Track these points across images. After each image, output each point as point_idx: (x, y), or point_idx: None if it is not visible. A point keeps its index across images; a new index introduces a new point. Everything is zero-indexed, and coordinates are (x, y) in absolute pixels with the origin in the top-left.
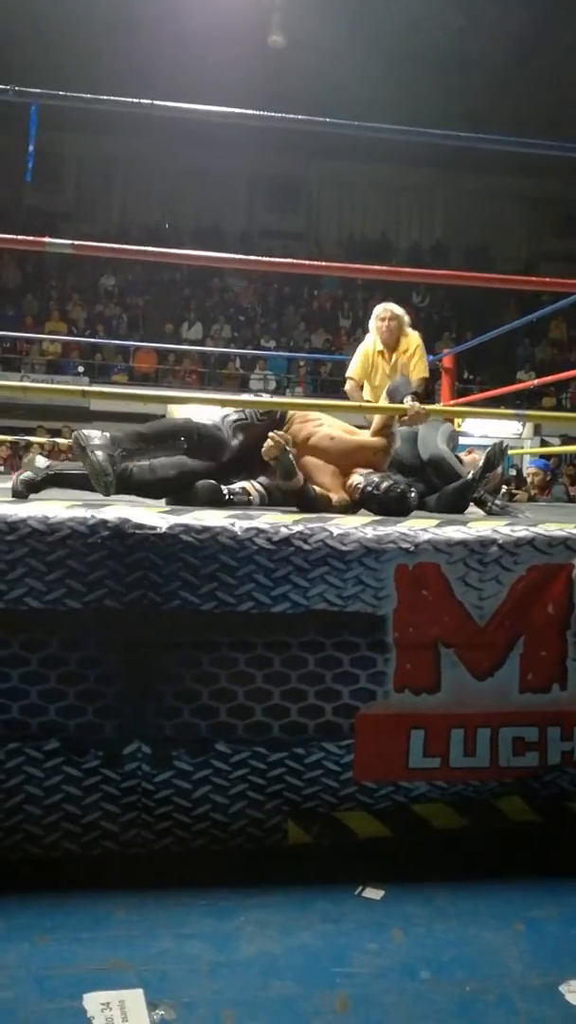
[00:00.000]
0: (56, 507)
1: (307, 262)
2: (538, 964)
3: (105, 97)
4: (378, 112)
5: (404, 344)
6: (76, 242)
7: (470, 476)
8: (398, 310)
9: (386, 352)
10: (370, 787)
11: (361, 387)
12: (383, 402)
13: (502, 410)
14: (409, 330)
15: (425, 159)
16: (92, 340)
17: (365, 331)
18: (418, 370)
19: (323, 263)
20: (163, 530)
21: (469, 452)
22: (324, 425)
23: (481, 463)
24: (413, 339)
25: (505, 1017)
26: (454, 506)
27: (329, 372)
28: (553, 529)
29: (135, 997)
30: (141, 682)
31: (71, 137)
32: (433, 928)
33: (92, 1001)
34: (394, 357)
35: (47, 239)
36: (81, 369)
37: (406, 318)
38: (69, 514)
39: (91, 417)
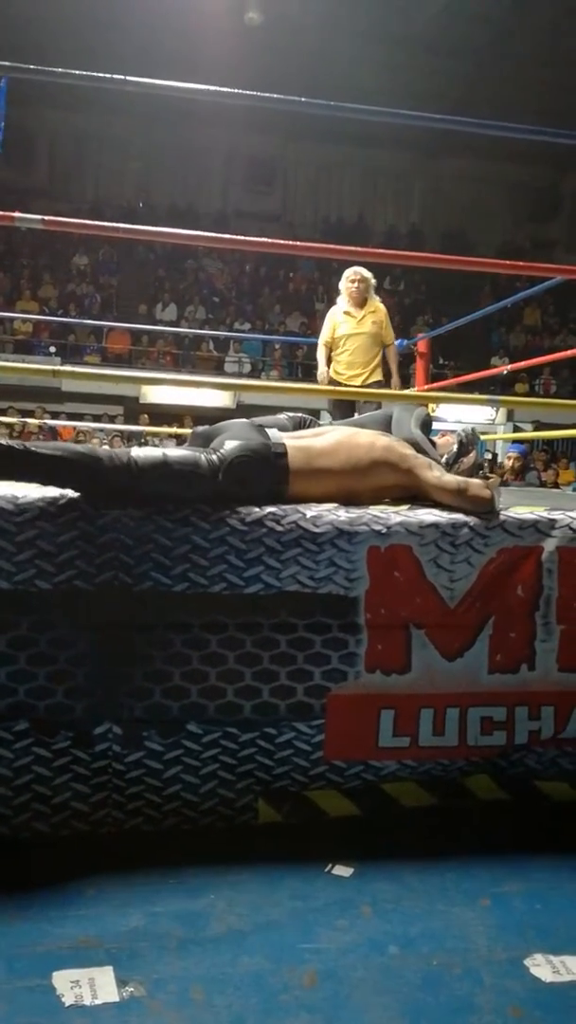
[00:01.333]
0: (26, 487)
1: (283, 242)
2: (504, 938)
3: (78, 72)
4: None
5: (371, 305)
6: (47, 217)
7: (443, 460)
8: (366, 273)
9: (353, 311)
10: (340, 766)
11: (329, 352)
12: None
13: (476, 395)
14: (376, 297)
15: (403, 142)
16: (64, 320)
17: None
18: (390, 335)
19: (299, 243)
20: (134, 512)
21: (443, 435)
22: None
23: (455, 448)
24: (381, 305)
25: (471, 989)
26: None
27: (305, 355)
28: (523, 512)
29: (105, 974)
30: (112, 663)
31: (44, 113)
32: (401, 904)
33: (62, 979)
34: (362, 313)
35: (17, 214)
36: (53, 349)
37: (373, 282)
38: (39, 494)
39: (63, 398)
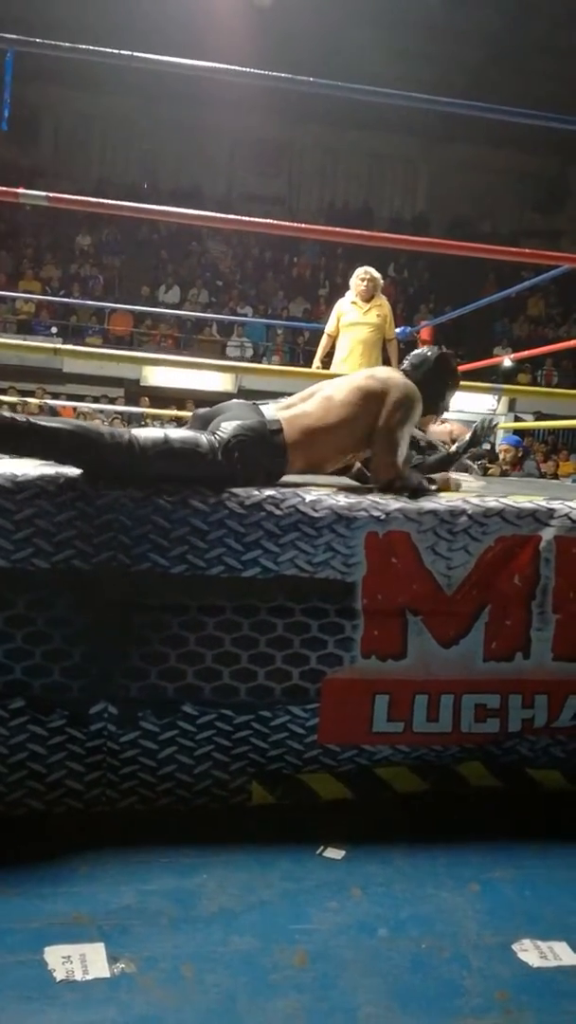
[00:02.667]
0: (25, 466)
1: (288, 223)
2: (492, 923)
3: (85, 47)
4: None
5: (378, 300)
6: (52, 194)
7: (453, 449)
8: (375, 273)
9: (360, 303)
10: (334, 750)
11: (333, 340)
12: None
13: (478, 384)
14: (383, 296)
15: (411, 128)
16: (67, 300)
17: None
18: (391, 330)
19: (304, 225)
20: (134, 492)
21: (441, 422)
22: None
23: (468, 437)
24: (386, 303)
25: (459, 973)
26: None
27: (307, 341)
28: (522, 501)
29: (96, 951)
30: (109, 643)
31: (49, 90)
32: (392, 887)
33: (53, 954)
34: (368, 306)
35: (21, 190)
36: (55, 330)
37: (381, 281)
38: (37, 472)
39: (64, 379)
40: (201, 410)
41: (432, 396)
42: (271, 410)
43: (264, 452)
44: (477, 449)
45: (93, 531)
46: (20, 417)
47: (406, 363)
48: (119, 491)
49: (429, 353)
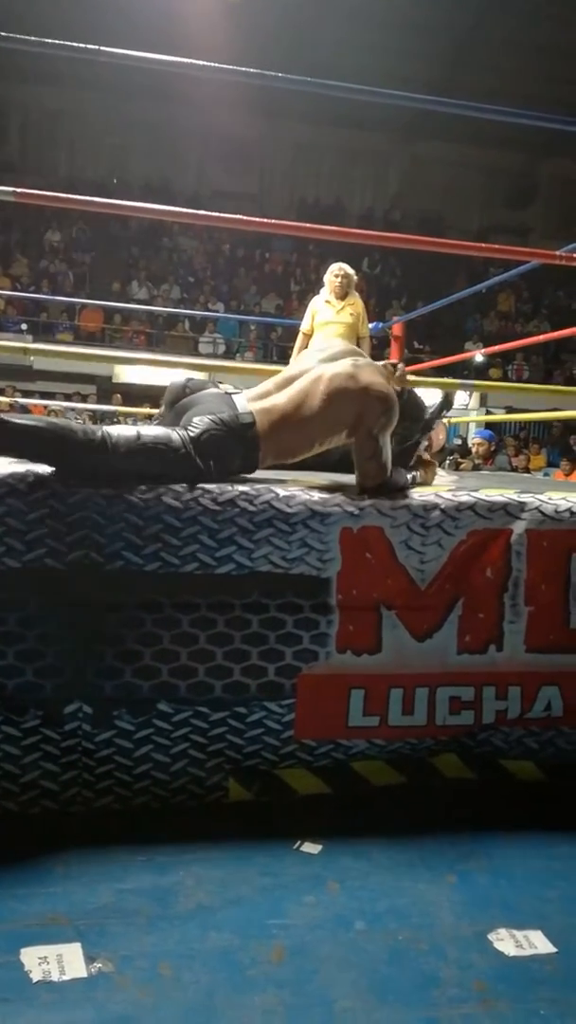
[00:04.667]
0: None
1: (261, 219)
2: (468, 914)
3: (51, 41)
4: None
5: (352, 298)
6: (19, 190)
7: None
8: (349, 269)
9: (334, 301)
10: (310, 745)
11: (308, 339)
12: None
13: (449, 380)
14: (356, 293)
15: (381, 124)
16: (36, 296)
17: (317, 294)
18: (365, 328)
19: (275, 221)
20: (106, 490)
21: None
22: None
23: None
24: (360, 300)
25: (436, 964)
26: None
27: (280, 337)
28: (494, 495)
29: (73, 951)
30: (83, 642)
31: (15, 87)
32: (368, 881)
33: (30, 955)
34: (342, 304)
35: None
36: (24, 327)
37: (355, 278)
38: (8, 471)
39: (34, 376)
40: (176, 400)
41: (407, 420)
42: (243, 400)
43: (236, 446)
44: (443, 441)
45: (65, 529)
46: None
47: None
48: (91, 489)
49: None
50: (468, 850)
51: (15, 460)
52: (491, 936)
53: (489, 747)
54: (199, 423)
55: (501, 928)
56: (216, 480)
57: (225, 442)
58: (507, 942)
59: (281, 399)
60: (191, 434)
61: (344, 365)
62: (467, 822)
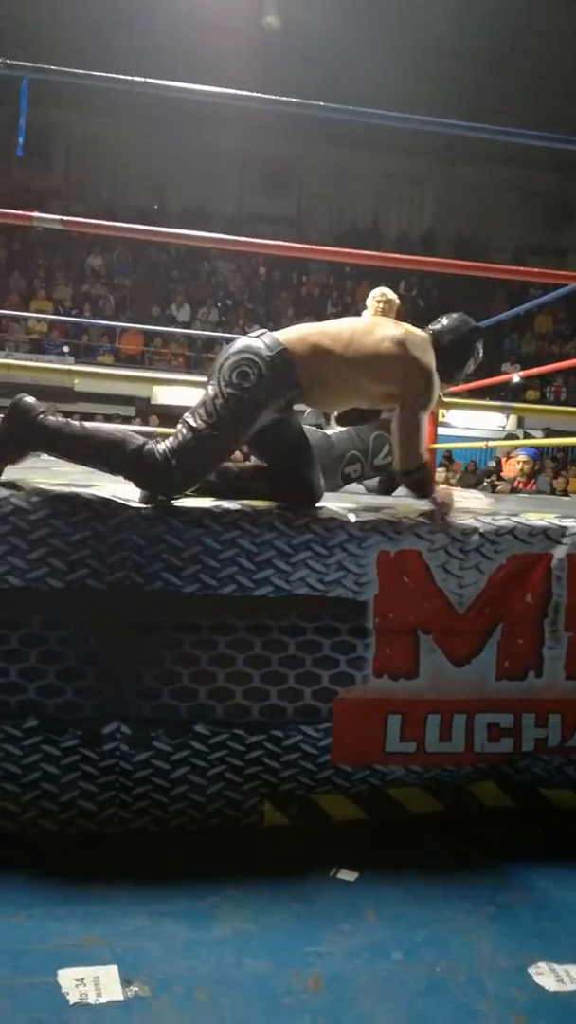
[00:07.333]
0: (40, 486)
1: (299, 245)
2: (507, 947)
3: (97, 73)
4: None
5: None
6: (65, 218)
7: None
8: (391, 295)
9: None
10: (346, 770)
11: None
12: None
13: (487, 402)
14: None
15: (418, 148)
16: (78, 320)
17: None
18: None
19: (314, 247)
20: (147, 512)
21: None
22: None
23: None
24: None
25: (474, 997)
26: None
27: None
28: (534, 519)
29: (109, 973)
30: (121, 662)
31: (61, 114)
32: (406, 910)
33: (67, 977)
34: None
35: (35, 214)
36: (66, 349)
37: (397, 303)
38: (52, 493)
39: (75, 398)
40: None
41: (450, 365)
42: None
43: (271, 374)
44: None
45: (107, 550)
46: (75, 424)
47: (441, 324)
48: (132, 510)
49: (462, 326)
50: (507, 881)
51: (63, 482)
52: (531, 970)
53: (529, 775)
54: (221, 367)
55: (541, 962)
56: (264, 412)
57: (257, 369)
58: (548, 976)
59: (321, 329)
60: (219, 379)
61: (394, 330)
62: (506, 852)
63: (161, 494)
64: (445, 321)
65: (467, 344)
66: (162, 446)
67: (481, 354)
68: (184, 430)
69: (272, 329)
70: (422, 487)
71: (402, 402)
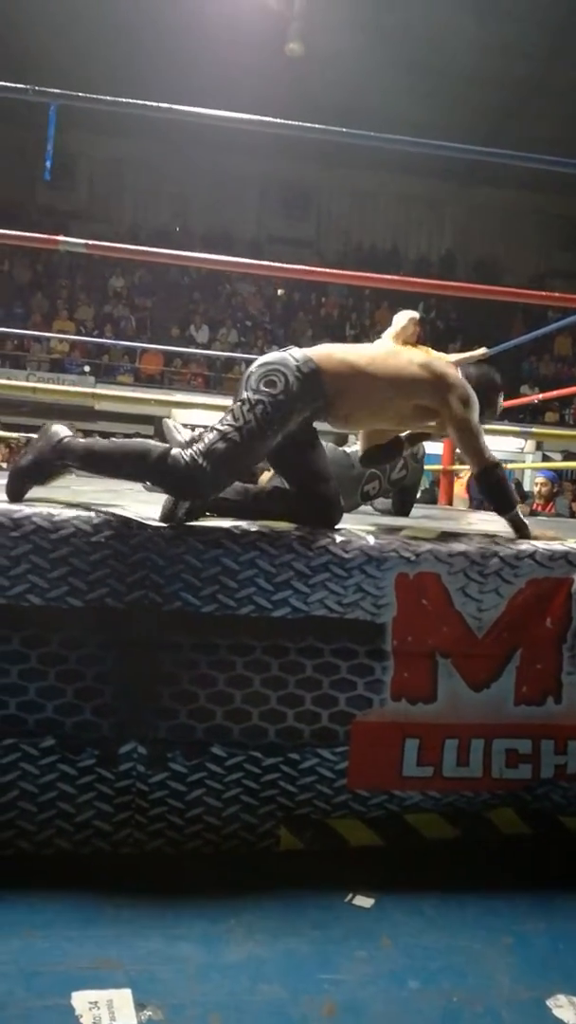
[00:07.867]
0: (60, 505)
1: (318, 269)
2: (525, 977)
3: (123, 100)
4: (392, 123)
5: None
6: (90, 242)
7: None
8: (415, 317)
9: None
10: (363, 795)
11: None
12: None
13: (505, 425)
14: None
15: (437, 171)
16: (100, 340)
17: (372, 341)
18: None
19: (334, 271)
20: (166, 531)
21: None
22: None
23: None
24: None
25: None
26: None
27: None
28: (554, 543)
29: (123, 997)
30: (139, 682)
31: (84, 137)
32: (422, 938)
33: (80, 999)
34: None
35: (61, 238)
36: (87, 368)
37: (418, 329)
38: (73, 512)
39: (96, 417)
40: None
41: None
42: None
43: (298, 384)
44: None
45: (126, 569)
46: (100, 440)
47: (467, 368)
48: (152, 530)
49: (489, 372)
50: (526, 910)
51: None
52: (549, 1002)
53: (548, 803)
54: (248, 381)
55: (560, 994)
56: (298, 417)
57: (283, 377)
58: (567, 1009)
59: (347, 349)
60: (247, 388)
61: (420, 354)
62: (524, 880)
63: (188, 498)
64: (471, 368)
65: (491, 387)
66: (188, 451)
67: (501, 408)
68: (212, 435)
69: None
70: (520, 529)
71: (449, 416)
